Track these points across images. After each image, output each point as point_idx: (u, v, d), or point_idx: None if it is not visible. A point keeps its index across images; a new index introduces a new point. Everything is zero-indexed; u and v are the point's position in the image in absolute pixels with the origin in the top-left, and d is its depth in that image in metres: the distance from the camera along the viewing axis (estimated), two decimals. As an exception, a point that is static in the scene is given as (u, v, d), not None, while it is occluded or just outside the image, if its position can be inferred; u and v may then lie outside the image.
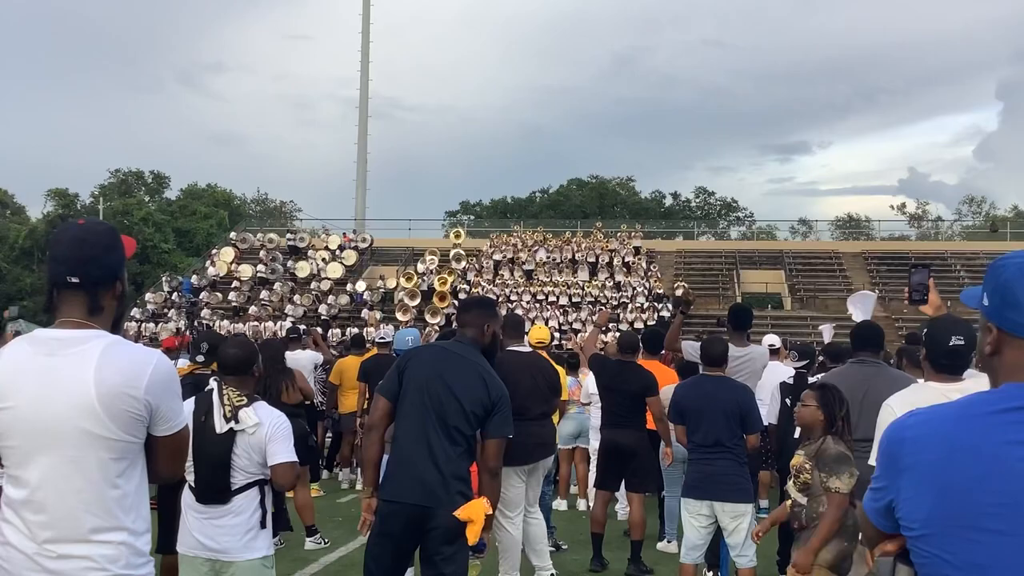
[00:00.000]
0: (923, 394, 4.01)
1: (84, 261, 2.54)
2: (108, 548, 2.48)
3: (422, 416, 4.39)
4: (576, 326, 30.85)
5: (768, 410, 8.29)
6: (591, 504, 8.61)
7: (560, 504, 10.45)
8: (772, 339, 10.52)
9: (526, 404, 6.53)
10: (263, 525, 4.32)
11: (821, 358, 8.75)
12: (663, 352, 8.91)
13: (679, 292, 33.82)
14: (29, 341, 2.56)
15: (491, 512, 4.33)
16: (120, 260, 2.64)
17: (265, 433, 4.28)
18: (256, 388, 8.09)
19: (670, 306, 33.27)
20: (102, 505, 2.47)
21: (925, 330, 4.36)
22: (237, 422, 4.27)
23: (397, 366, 4.62)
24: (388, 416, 4.53)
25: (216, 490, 4.25)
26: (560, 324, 31.37)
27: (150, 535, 2.65)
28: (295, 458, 4.37)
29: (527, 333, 8.10)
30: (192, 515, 4.33)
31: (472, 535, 4.23)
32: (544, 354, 7.70)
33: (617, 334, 12.75)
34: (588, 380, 9.48)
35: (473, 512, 4.25)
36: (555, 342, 25.60)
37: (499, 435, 4.47)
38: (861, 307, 18.21)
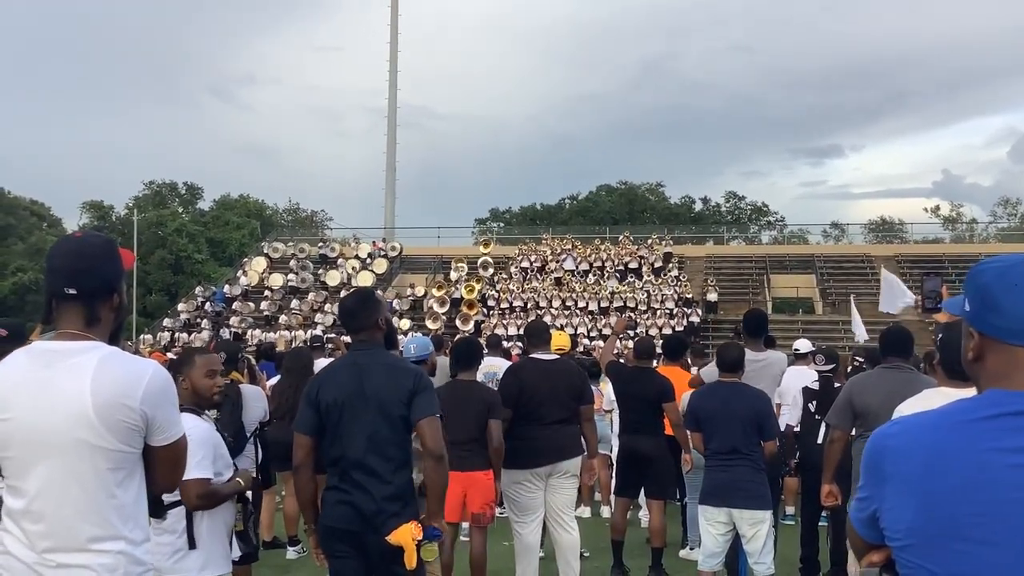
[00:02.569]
0: (936, 400, 3.93)
1: (81, 272, 2.58)
2: (106, 557, 2.51)
3: (347, 441, 4.25)
4: (606, 332, 30.77)
5: (789, 415, 8.23)
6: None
7: (584, 511, 10.41)
8: (803, 343, 10.42)
9: (542, 411, 6.57)
10: (192, 545, 4.13)
11: (858, 361, 8.62)
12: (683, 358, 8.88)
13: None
14: (26, 353, 2.60)
15: (420, 536, 4.15)
16: (117, 272, 2.67)
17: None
18: (285, 394, 8.23)
19: (700, 311, 33.15)
20: (100, 514, 2.51)
21: (939, 335, 4.31)
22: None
23: (307, 397, 4.38)
24: (313, 451, 4.36)
25: (152, 503, 4.15)
26: (589, 331, 31.32)
27: (149, 544, 2.68)
28: (201, 475, 4.01)
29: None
30: None
31: (408, 560, 4.10)
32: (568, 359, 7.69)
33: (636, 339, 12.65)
34: (609, 387, 9.45)
35: (402, 537, 4.12)
36: (581, 349, 25.55)
37: (426, 415, 4.23)
38: (891, 294, 17.73)
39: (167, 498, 4.06)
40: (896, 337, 5.81)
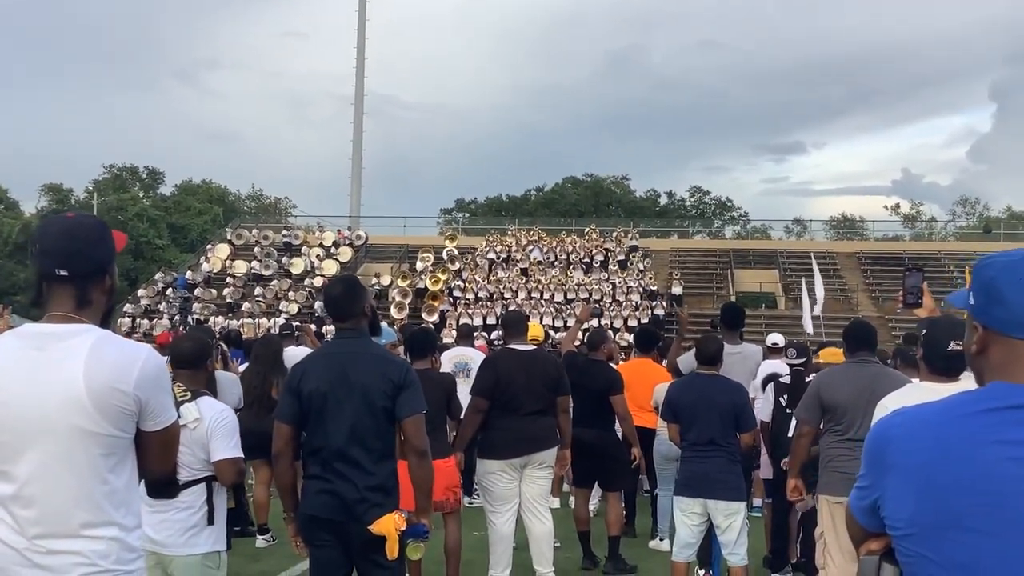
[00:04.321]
0: (918, 394, 3.98)
1: (73, 254, 2.53)
2: (98, 543, 2.46)
3: (329, 431, 4.23)
4: (571, 324, 30.85)
5: (762, 408, 8.29)
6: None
7: (554, 502, 10.43)
8: (776, 338, 10.49)
9: (518, 401, 6.57)
10: (210, 522, 4.25)
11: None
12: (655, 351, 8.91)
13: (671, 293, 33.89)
14: (17, 335, 2.55)
15: (403, 526, 4.15)
16: (110, 254, 2.62)
17: (206, 429, 4.22)
18: (254, 381, 8.16)
19: (664, 304, 33.33)
20: (92, 500, 2.46)
21: (923, 331, 4.33)
22: (179, 416, 4.23)
23: (288, 385, 4.38)
24: (293, 440, 4.35)
25: (162, 484, 4.19)
26: (554, 322, 31.38)
27: (141, 530, 2.64)
28: (238, 454, 4.29)
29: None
30: (144, 508, 4.31)
31: (389, 550, 4.10)
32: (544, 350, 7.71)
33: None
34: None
35: (384, 527, 4.11)
36: (552, 342, 25.59)
37: (412, 412, 4.24)
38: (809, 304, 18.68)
39: (184, 477, 4.17)
40: (861, 331, 5.85)
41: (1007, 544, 1.65)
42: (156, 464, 2.66)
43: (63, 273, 2.52)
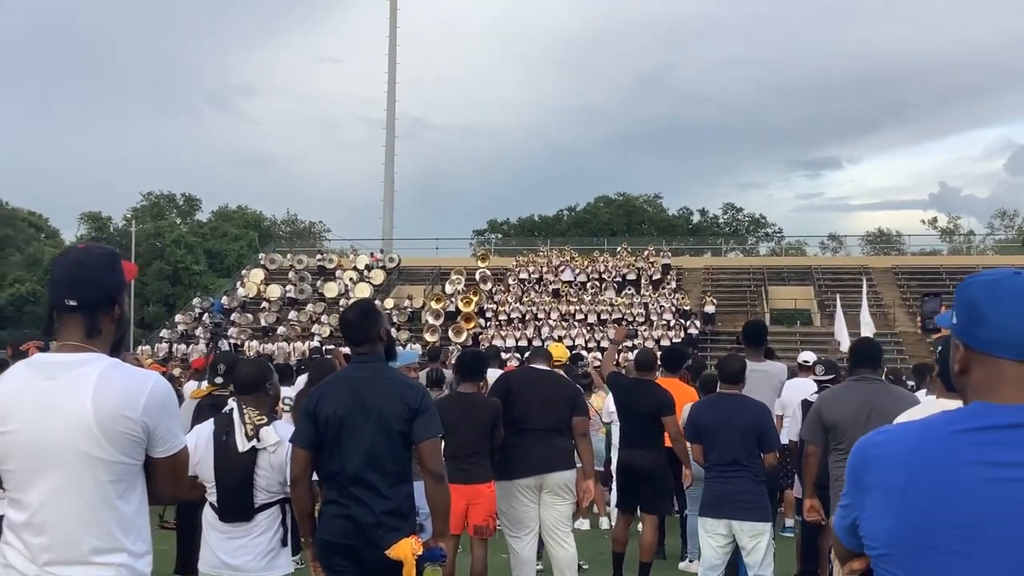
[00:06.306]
0: (933, 412, 3.97)
1: (82, 284, 2.58)
2: (108, 570, 2.50)
3: (345, 456, 4.22)
4: (604, 344, 30.76)
5: (790, 427, 8.22)
6: (613, 523, 8.55)
7: (583, 523, 10.40)
8: (807, 356, 10.40)
9: (528, 417, 6.52)
10: (284, 543, 4.36)
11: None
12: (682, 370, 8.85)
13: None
14: (28, 365, 2.60)
15: (420, 550, 4.14)
16: (119, 284, 2.67)
17: (286, 451, 4.30)
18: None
19: (698, 323, 33.15)
20: (102, 527, 2.50)
21: (939, 348, 4.32)
22: (259, 440, 4.31)
23: (305, 410, 4.35)
24: (310, 465, 4.33)
25: (239, 508, 4.30)
26: (587, 343, 31.31)
27: (151, 556, 2.66)
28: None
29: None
30: (214, 534, 4.37)
31: (406, 575, 4.08)
32: (560, 372, 7.64)
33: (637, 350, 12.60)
34: (609, 399, 9.42)
35: (401, 552, 4.10)
36: (582, 361, 25.52)
37: (428, 436, 4.23)
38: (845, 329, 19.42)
39: (261, 500, 4.27)
40: (864, 350, 5.86)
41: (983, 567, 1.63)
42: (166, 490, 2.69)
43: (72, 303, 2.57)
